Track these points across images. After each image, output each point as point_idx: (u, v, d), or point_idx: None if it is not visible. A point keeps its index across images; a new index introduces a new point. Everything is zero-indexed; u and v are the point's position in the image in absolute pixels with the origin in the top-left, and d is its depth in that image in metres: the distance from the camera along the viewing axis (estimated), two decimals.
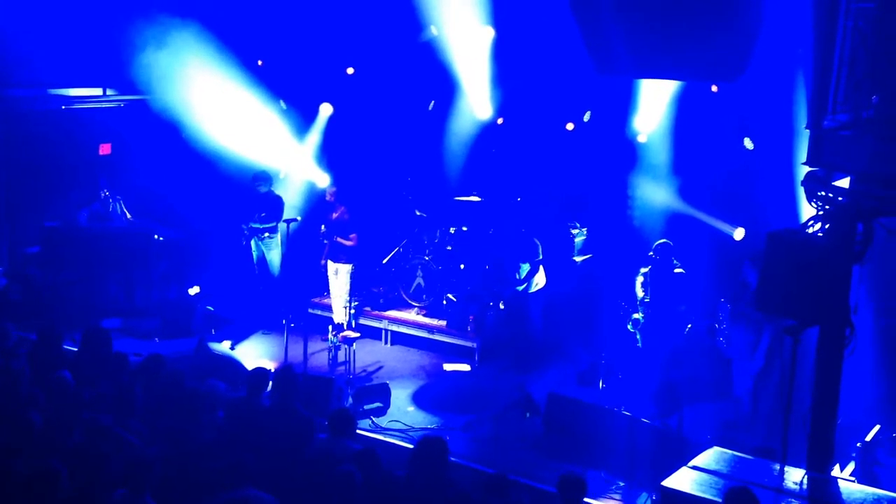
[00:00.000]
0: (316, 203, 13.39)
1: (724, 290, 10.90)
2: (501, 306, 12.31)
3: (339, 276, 12.20)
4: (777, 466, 7.40)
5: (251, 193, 12.66)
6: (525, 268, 11.78)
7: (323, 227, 12.16)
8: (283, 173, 13.81)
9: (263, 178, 12.69)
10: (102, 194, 13.09)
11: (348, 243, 12.05)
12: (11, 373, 7.96)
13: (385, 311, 12.83)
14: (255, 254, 12.77)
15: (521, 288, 11.80)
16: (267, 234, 12.65)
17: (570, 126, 13.33)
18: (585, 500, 6.89)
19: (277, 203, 12.66)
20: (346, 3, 13.24)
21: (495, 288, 12.49)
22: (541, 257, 11.84)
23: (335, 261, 12.21)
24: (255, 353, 11.71)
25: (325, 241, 12.14)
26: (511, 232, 12.37)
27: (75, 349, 9.32)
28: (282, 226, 12.17)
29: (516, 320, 12.22)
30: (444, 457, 6.77)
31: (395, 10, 13.03)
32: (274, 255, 12.76)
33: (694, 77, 11.08)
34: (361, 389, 10.34)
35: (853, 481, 7.72)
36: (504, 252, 12.50)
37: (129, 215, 13.30)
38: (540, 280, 11.89)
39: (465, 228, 12.97)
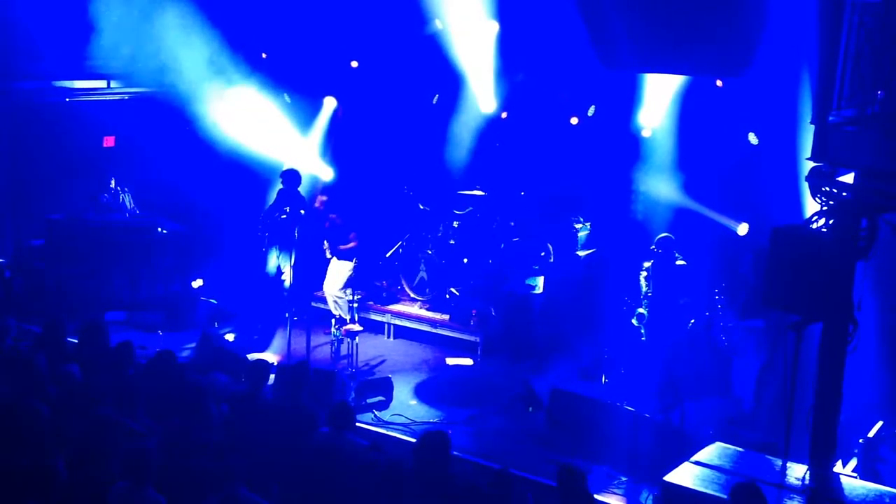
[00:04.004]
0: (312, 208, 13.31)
1: (719, 284, 10.91)
2: (493, 312, 12.29)
3: (339, 273, 12.20)
4: (779, 462, 7.41)
5: (277, 193, 12.33)
6: (539, 280, 11.83)
7: (326, 243, 12.12)
8: (287, 166, 13.78)
9: (293, 177, 12.22)
10: (111, 185, 13.08)
11: (350, 245, 12.07)
12: (16, 366, 7.96)
13: (388, 304, 12.83)
14: (270, 265, 12.50)
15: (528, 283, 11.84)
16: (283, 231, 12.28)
17: (574, 120, 13.31)
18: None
19: (301, 203, 12.30)
20: None
21: (497, 288, 12.46)
22: (552, 259, 11.87)
23: (339, 258, 12.21)
24: (259, 347, 11.72)
25: (331, 256, 12.13)
26: (523, 236, 12.32)
27: (76, 342, 9.31)
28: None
29: (519, 315, 12.22)
30: (447, 451, 6.78)
31: (399, 3, 13.00)
32: (287, 263, 12.39)
33: (699, 72, 11.08)
34: (364, 383, 10.35)
35: (855, 477, 7.73)
36: (512, 254, 12.45)
37: (134, 207, 13.28)
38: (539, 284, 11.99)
39: (455, 224, 12.94)
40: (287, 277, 12.01)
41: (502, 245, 12.83)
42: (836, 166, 7.28)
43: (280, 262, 12.28)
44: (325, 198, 12.41)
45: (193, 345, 11.26)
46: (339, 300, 11.98)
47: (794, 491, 6.94)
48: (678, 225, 11.54)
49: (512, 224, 12.91)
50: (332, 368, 10.83)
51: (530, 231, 12.15)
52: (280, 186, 12.14)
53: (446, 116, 13.84)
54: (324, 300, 12.79)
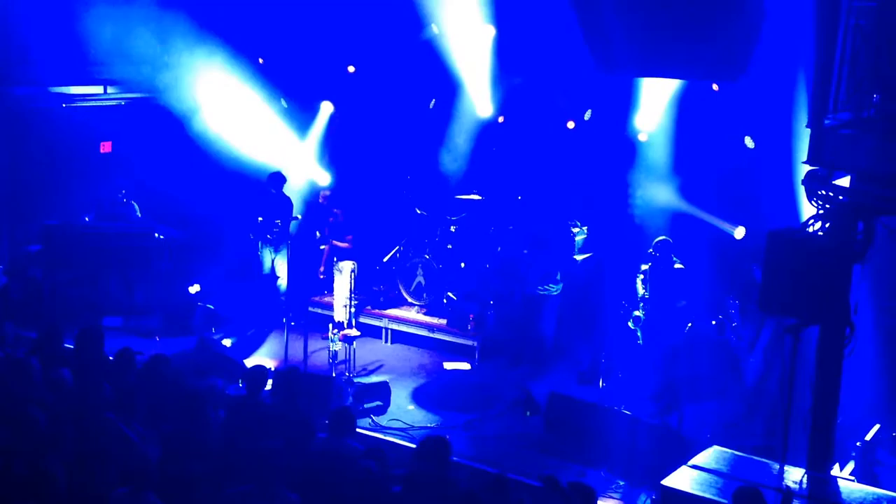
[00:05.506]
0: (314, 204, 13.38)
1: (727, 287, 10.90)
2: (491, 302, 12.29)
3: (343, 274, 12.19)
4: (777, 465, 7.41)
5: (262, 195, 12.41)
6: (558, 287, 11.82)
7: (318, 233, 12.12)
8: (284, 171, 13.78)
9: (278, 180, 12.44)
10: (122, 195, 13.13)
11: (344, 245, 12.07)
12: (13, 372, 7.95)
13: (385, 309, 12.82)
14: (266, 265, 12.50)
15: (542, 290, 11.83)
16: (274, 235, 12.38)
17: (570, 124, 13.31)
18: None
19: (288, 205, 12.40)
20: (347, 0, 13.25)
21: (500, 288, 12.44)
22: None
23: (340, 259, 12.20)
24: (256, 352, 11.71)
25: (323, 247, 12.10)
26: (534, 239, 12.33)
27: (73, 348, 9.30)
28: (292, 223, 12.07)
29: (517, 319, 12.21)
30: (447, 456, 6.77)
31: (396, 8, 13.03)
32: (282, 260, 12.52)
33: (695, 76, 11.07)
34: (362, 388, 10.34)
35: (853, 480, 7.73)
36: (525, 257, 12.44)
37: (140, 216, 13.32)
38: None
39: (452, 229, 12.95)
40: (282, 281, 12.04)
41: (499, 248, 12.83)
42: (833, 170, 7.30)
43: (276, 265, 12.33)
44: (328, 192, 12.45)
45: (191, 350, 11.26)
46: (347, 304, 11.95)
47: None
48: (675, 228, 11.56)
49: (511, 228, 12.89)
50: (330, 374, 10.82)
51: (539, 234, 12.13)
52: (272, 191, 12.20)
53: (443, 121, 13.86)
54: (321, 305, 12.78)
